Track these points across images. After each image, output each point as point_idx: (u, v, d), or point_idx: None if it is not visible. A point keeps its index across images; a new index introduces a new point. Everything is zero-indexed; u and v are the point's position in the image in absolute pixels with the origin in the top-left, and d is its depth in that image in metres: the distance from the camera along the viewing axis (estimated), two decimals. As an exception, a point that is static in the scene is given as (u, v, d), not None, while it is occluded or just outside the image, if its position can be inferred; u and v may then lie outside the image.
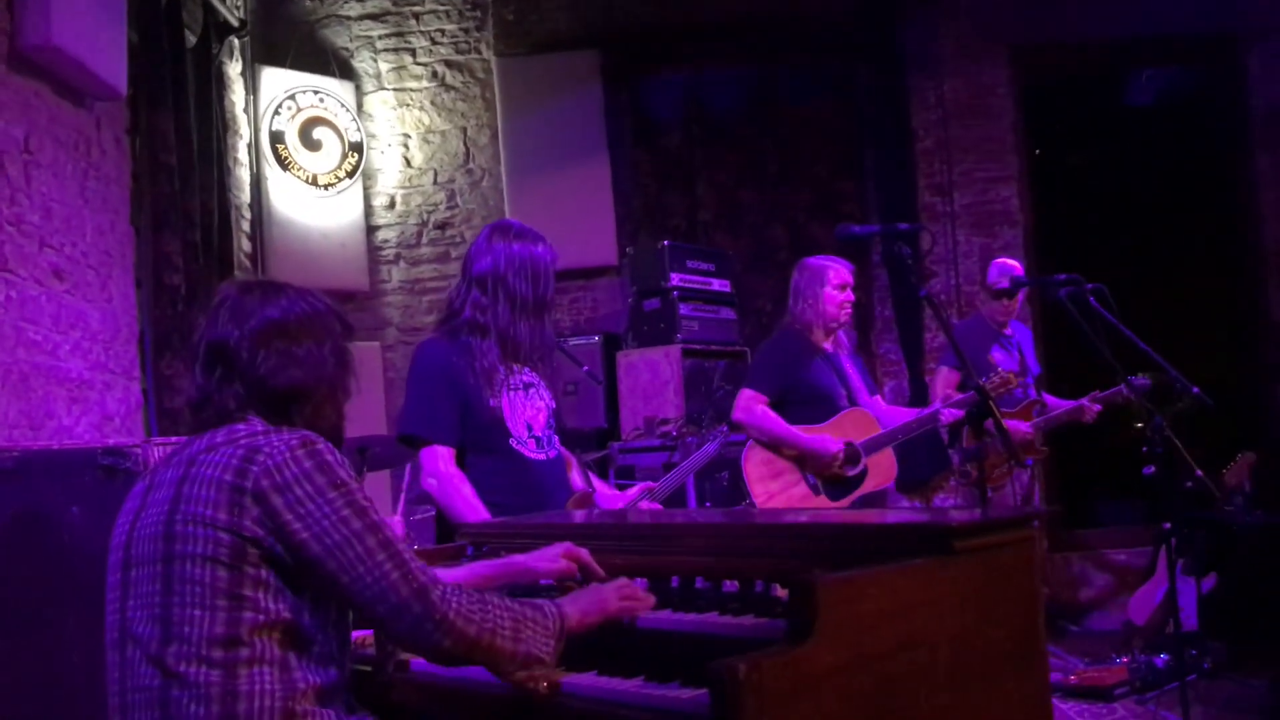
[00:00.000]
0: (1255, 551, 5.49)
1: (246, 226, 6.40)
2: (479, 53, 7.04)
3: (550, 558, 2.17)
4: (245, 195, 6.41)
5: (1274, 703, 4.56)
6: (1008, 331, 5.58)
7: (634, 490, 3.42)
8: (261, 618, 1.73)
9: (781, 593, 1.98)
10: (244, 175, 6.42)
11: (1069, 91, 7.39)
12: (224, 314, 1.92)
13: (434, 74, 7.05)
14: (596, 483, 3.43)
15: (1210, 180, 7.26)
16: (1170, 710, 4.49)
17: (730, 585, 2.06)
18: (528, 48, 6.96)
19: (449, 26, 7.05)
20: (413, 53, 7.06)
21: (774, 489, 4.37)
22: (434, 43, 7.06)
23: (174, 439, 3.31)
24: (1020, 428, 5.10)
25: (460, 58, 7.05)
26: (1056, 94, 7.30)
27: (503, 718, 1.93)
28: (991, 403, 2.75)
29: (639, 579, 2.10)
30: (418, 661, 2.08)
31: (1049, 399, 5.53)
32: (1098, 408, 5.28)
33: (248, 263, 6.34)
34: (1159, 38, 6.93)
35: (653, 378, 5.92)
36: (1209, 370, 6.12)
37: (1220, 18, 6.78)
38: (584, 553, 2.19)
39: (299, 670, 1.76)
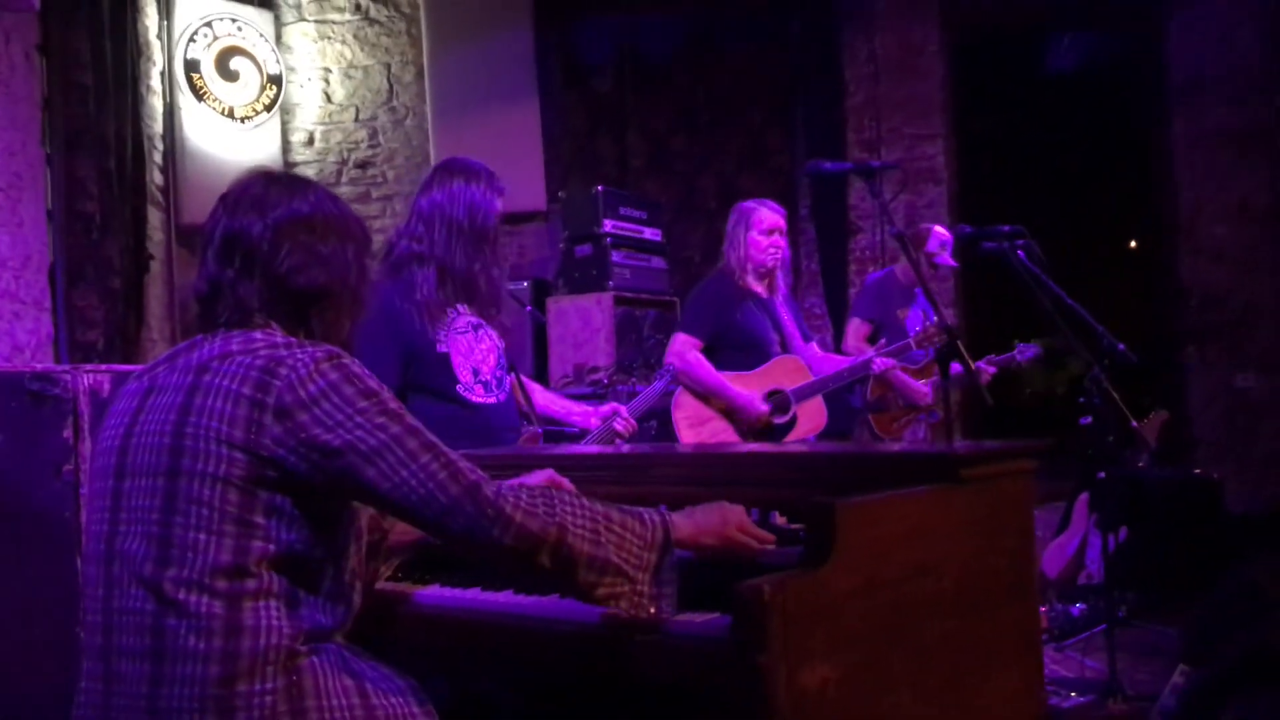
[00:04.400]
0: (1167, 506, 5.66)
1: (159, 158, 6.11)
2: (405, -14, 6.82)
3: (536, 484, 2.08)
4: (158, 125, 6.11)
5: (1185, 648, 4.71)
6: (914, 290, 5.59)
7: (605, 409, 3.35)
8: (272, 548, 1.60)
9: (780, 520, 1.95)
10: (157, 104, 6.11)
11: (996, 53, 7.47)
12: (245, 202, 1.76)
13: (357, 7, 6.81)
14: (567, 403, 3.36)
15: (1128, 146, 7.42)
16: (1090, 657, 4.61)
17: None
18: (456, -17, 6.75)
19: (374, -43, 6.82)
20: (336, -16, 6.81)
21: (703, 435, 4.34)
22: (359, -26, 6.82)
23: (105, 366, 3.14)
24: (919, 387, 5.13)
25: (386, -9, 6.83)
26: (983, 55, 7.37)
27: (516, 649, 1.84)
28: (960, 345, 2.74)
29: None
30: (424, 592, 1.98)
31: None
32: (993, 370, 5.35)
33: (160, 196, 6.07)
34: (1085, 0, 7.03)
35: (583, 325, 5.83)
36: (1121, 332, 6.29)
37: (1144, -16, 6.91)
38: (567, 483, 2.11)
39: (306, 607, 1.64)
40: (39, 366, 3.20)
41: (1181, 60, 7.01)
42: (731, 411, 4.32)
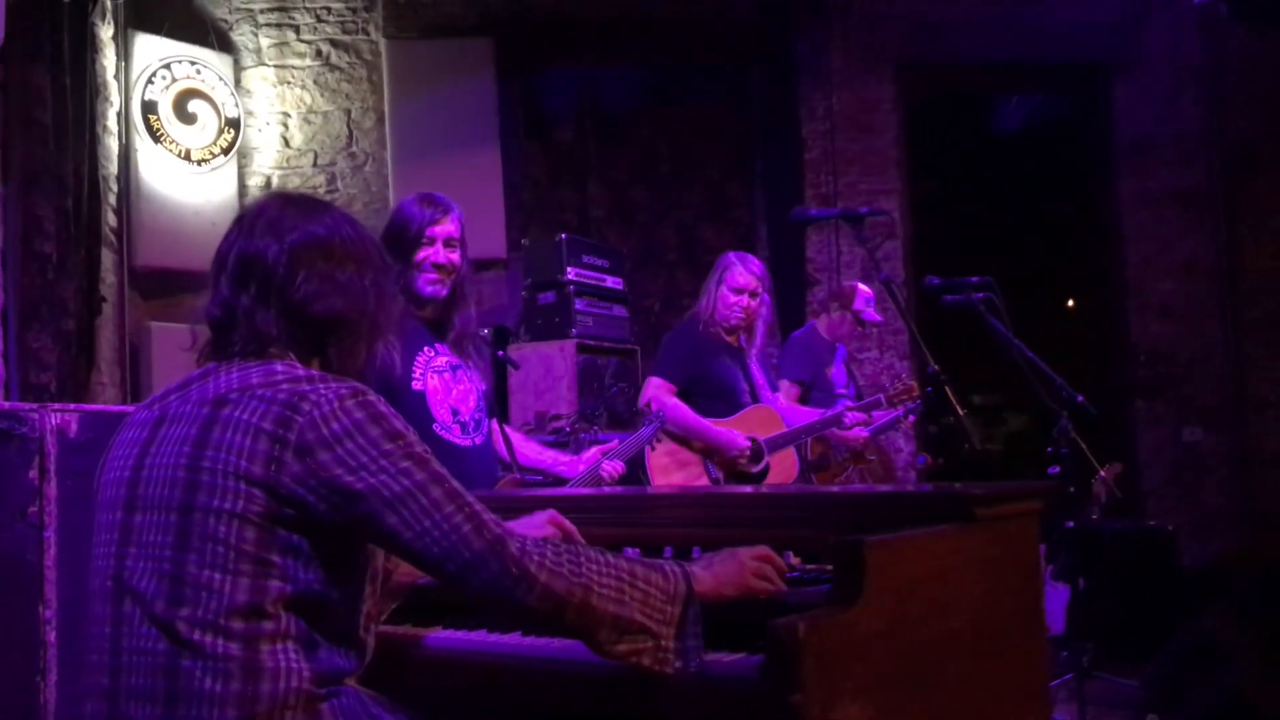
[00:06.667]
0: (1121, 557, 5.73)
1: (113, 200, 6.00)
2: (367, 34, 6.81)
3: (537, 525, 2.04)
4: (113, 166, 6.02)
5: (1148, 698, 4.74)
6: (836, 345, 5.66)
7: (591, 452, 3.31)
8: (289, 588, 1.54)
9: (795, 560, 1.93)
10: (113, 145, 6.02)
11: (949, 112, 7.63)
12: (261, 225, 1.71)
13: (318, 52, 6.79)
14: (549, 450, 3.32)
15: (1076, 205, 7.59)
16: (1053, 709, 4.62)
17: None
18: (418, 31, 6.76)
19: (335, 4, 6.80)
20: (296, 29, 6.78)
21: (676, 480, 4.31)
22: (319, 20, 6.80)
23: (73, 405, 3.05)
24: (860, 434, 5.17)
25: (347, 38, 6.81)
26: (936, 114, 7.52)
27: (529, 691, 1.79)
28: (949, 391, 2.77)
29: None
30: (432, 635, 1.93)
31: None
32: (913, 418, 5.46)
33: (113, 238, 5.95)
34: (1034, 63, 7.22)
35: (545, 372, 5.79)
36: (1072, 385, 6.41)
37: (1091, 48, 7.11)
38: (569, 524, 2.08)
39: (323, 650, 1.58)
40: (5, 405, 3.09)
41: (1128, 121, 7.21)
42: (712, 450, 4.30)
